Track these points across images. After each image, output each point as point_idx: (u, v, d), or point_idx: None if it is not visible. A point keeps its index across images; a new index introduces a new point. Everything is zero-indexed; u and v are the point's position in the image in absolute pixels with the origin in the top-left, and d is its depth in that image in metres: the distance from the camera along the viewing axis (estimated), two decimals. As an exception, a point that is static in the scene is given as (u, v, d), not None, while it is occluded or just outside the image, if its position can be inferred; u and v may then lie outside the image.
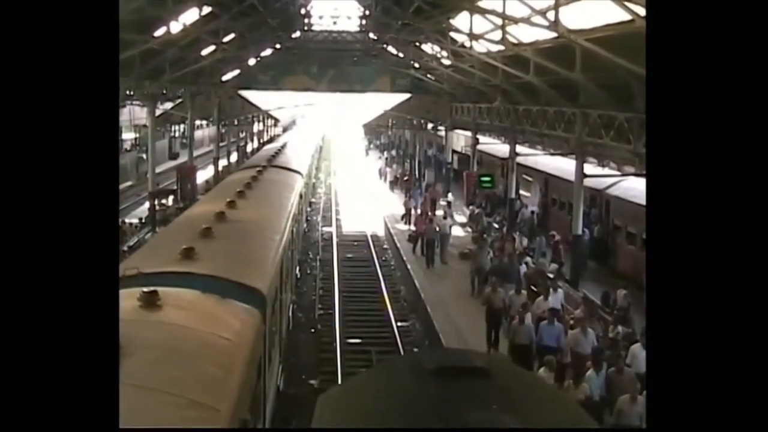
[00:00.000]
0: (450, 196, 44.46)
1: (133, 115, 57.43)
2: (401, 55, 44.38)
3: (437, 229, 33.25)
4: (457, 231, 32.97)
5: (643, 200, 28.57)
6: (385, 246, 39.69)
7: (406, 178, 54.69)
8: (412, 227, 36.70)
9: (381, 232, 42.57)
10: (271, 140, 71.81)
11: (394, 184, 56.83)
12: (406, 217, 40.94)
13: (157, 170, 42.61)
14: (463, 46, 32.62)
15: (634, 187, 30.33)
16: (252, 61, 46.26)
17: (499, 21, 25.99)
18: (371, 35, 41.75)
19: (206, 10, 30.55)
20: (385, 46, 43.66)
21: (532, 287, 24.17)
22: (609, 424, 14.80)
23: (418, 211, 38.35)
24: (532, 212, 38.29)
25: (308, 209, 44.87)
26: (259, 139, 78.10)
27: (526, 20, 22.76)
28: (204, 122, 61.91)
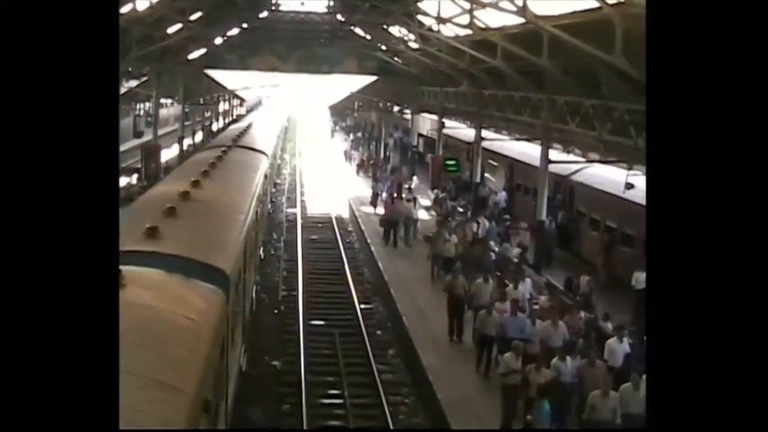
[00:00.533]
0: (415, 180, 44.47)
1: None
2: (369, 37, 44.24)
3: (402, 212, 33.37)
4: (422, 214, 33.04)
5: (605, 186, 28.81)
6: (350, 228, 39.64)
7: (372, 162, 54.60)
8: (381, 211, 36.64)
9: (346, 215, 42.49)
10: (236, 120, 71.31)
11: (360, 168, 56.73)
12: (374, 201, 40.80)
13: (122, 148, 42.17)
14: (430, 29, 32.57)
15: (597, 174, 30.52)
16: (219, 41, 45.88)
17: (467, 5, 25.97)
18: (339, 17, 41.56)
19: (173, -13, 30.22)
20: (352, 28, 43.48)
21: (500, 275, 24.15)
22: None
23: (385, 195, 38.25)
24: (503, 200, 38.21)
25: (273, 190, 44.67)
26: (224, 119, 77.58)
27: (494, 5, 22.76)
28: (169, 101, 61.34)
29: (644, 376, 14.62)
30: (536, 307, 20.45)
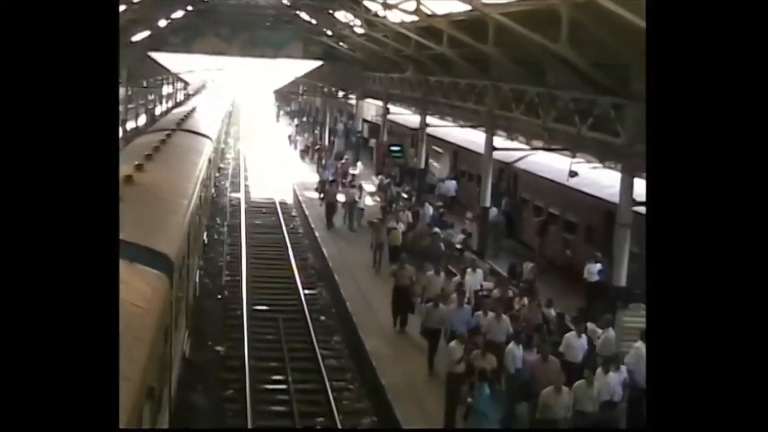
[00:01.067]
0: (359, 166, 44.35)
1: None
2: (314, 22, 43.94)
3: (347, 198, 33.42)
4: (367, 201, 32.99)
5: (548, 173, 29.00)
6: (294, 214, 39.45)
7: (317, 148, 54.34)
8: (322, 196, 36.49)
9: (290, 200, 42.27)
10: (180, 104, 70.47)
11: (305, 153, 56.41)
12: (320, 188, 40.24)
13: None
14: (376, 15, 32.44)
15: (540, 161, 30.72)
16: (163, 23, 45.19)
17: (414, -9, 25.89)
18: (284, 0, 41.20)
19: (116, -33, 29.62)
20: (298, 12, 43.16)
21: (449, 267, 24.00)
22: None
23: (330, 179, 38.04)
24: (453, 189, 38.09)
25: (216, 174, 44.26)
26: (168, 103, 76.59)
27: (441, -8, 22.73)
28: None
29: (597, 372, 14.71)
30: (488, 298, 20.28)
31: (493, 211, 29.78)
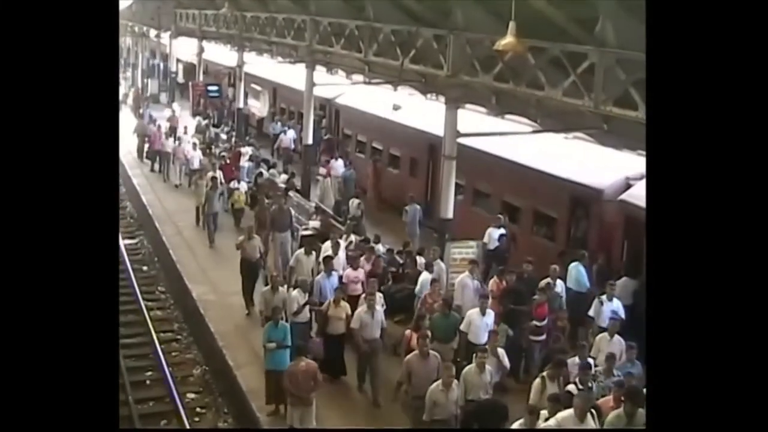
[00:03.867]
0: (175, 108, 42.57)
1: None
2: (120, -44, 41.85)
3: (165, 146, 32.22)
4: (187, 147, 31.60)
5: (370, 108, 28.85)
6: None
7: (131, 89, 52.16)
8: (147, 145, 34.80)
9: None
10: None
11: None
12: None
13: None
14: (186, -52, 31.10)
15: (362, 97, 30.52)
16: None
17: None
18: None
19: None
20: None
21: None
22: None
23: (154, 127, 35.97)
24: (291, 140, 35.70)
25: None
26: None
27: None
28: None
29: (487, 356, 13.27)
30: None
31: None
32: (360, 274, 16.71)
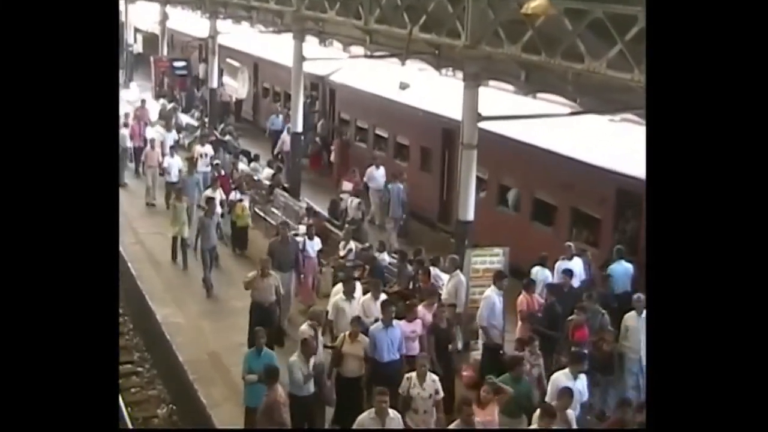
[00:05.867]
0: (134, 88, 42.56)
1: None
2: None
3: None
4: (150, 133, 31.55)
5: (370, 88, 28.90)
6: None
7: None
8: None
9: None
10: None
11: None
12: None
13: None
14: None
15: (363, 73, 30.52)
16: None
17: None
18: None
19: None
20: None
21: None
22: None
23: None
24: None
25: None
26: None
27: None
28: None
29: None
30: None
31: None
32: (417, 327, 15.18)
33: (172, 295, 20.73)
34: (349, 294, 15.92)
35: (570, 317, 15.23)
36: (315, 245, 20.04)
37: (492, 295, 16.08)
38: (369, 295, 15.94)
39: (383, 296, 15.86)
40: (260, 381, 13.55)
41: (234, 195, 24.25)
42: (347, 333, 14.62)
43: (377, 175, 25.81)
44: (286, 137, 30.84)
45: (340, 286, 16.45)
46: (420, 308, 15.60)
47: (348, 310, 15.62)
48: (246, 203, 23.90)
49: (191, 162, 26.94)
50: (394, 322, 14.62)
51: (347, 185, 26.00)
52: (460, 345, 16.10)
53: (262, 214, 24.95)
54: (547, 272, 17.92)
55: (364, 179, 25.82)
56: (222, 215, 23.02)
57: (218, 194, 23.03)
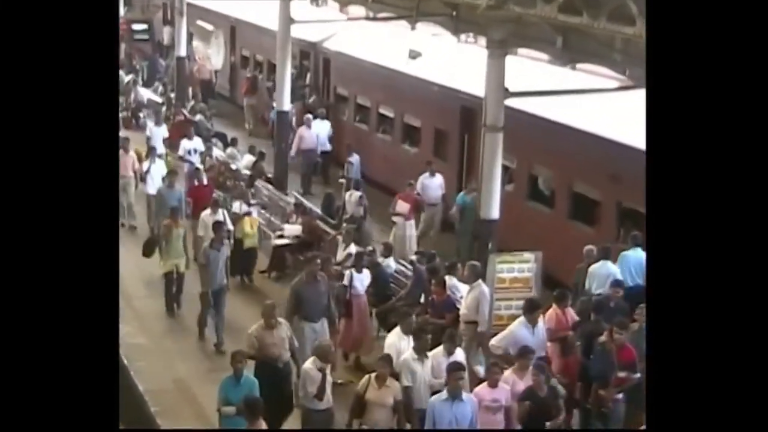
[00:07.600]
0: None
1: None
2: None
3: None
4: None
5: (373, 57, 28.84)
6: None
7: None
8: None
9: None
10: None
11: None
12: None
13: None
14: None
15: (364, 39, 30.46)
16: None
17: None
18: None
19: None
20: None
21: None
22: None
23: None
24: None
25: None
26: None
27: None
28: None
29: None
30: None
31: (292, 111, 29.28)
32: (502, 395, 13.80)
33: (131, 311, 20.56)
34: (421, 352, 14.42)
35: (600, 338, 14.80)
36: (364, 279, 18.22)
37: (520, 329, 15.13)
38: (441, 348, 14.62)
39: (459, 352, 14.70)
40: (239, 414, 13.39)
41: (239, 206, 22.65)
42: (373, 375, 13.73)
43: (433, 185, 24.33)
44: (304, 132, 29.00)
45: (396, 334, 15.36)
46: (507, 374, 14.09)
47: (420, 373, 14.28)
48: (255, 215, 22.61)
49: (172, 171, 24.02)
50: (464, 394, 13.27)
51: (403, 206, 23.13)
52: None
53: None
54: (612, 267, 17.63)
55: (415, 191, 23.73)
56: (229, 238, 20.40)
57: (222, 215, 20.86)
